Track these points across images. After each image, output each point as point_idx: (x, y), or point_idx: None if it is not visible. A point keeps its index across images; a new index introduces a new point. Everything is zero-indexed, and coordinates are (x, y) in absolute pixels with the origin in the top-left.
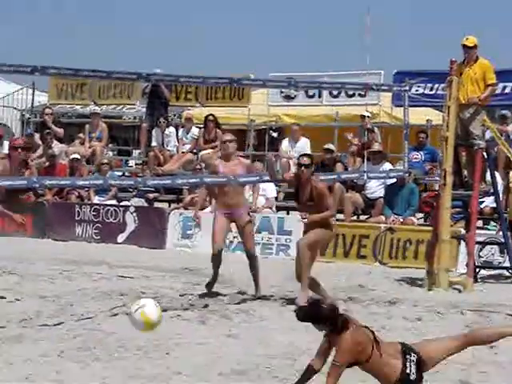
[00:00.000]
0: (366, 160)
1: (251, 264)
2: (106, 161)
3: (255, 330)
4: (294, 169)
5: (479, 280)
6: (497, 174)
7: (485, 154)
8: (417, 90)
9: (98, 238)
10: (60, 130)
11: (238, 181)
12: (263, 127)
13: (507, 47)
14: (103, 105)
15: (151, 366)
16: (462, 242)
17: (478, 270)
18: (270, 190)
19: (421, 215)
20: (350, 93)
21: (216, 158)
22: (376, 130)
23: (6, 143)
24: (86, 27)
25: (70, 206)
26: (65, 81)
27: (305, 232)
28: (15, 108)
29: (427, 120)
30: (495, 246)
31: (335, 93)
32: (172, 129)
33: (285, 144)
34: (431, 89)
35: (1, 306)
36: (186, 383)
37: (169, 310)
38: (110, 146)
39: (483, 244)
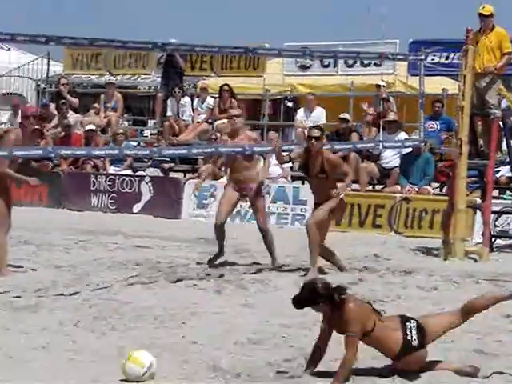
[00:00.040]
0: (381, 129)
1: (265, 239)
2: (121, 131)
3: (271, 300)
4: None
5: (495, 249)
6: None
7: (501, 123)
8: (432, 59)
9: (114, 207)
10: (75, 100)
11: (254, 150)
12: (278, 97)
13: None
14: (118, 75)
15: (167, 335)
16: (478, 211)
17: (493, 239)
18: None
19: (436, 185)
20: (366, 62)
21: (225, 133)
22: (391, 99)
23: None
24: None
25: (86, 176)
26: (80, 51)
27: (315, 205)
28: (30, 78)
29: (443, 89)
30: (511, 216)
31: (350, 62)
32: (187, 99)
33: (300, 114)
34: (447, 58)
35: (17, 275)
36: (202, 353)
37: (184, 279)
38: (125, 116)
39: (499, 213)
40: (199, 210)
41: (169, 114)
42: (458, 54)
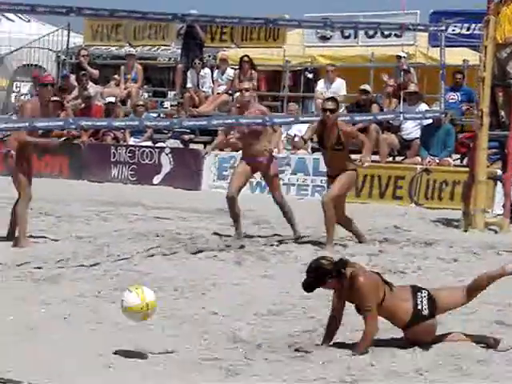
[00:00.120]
0: (401, 101)
1: (282, 211)
2: (141, 102)
3: (291, 271)
4: None
5: None
6: None
7: None
8: (453, 30)
9: (134, 179)
10: (95, 72)
11: (275, 121)
12: (298, 68)
13: None
14: (138, 46)
15: (187, 306)
16: (499, 182)
17: None
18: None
19: (457, 156)
20: (386, 33)
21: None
22: (412, 70)
23: None
24: None
25: (106, 148)
26: (100, 22)
27: (328, 177)
28: (50, 50)
29: (464, 60)
30: None
31: (371, 33)
32: (207, 70)
33: (320, 85)
34: (468, 29)
35: (37, 247)
36: (222, 324)
37: (205, 250)
38: (145, 87)
39: None
40: (219, 182)
41: (189, 85)
42: (479, 24)
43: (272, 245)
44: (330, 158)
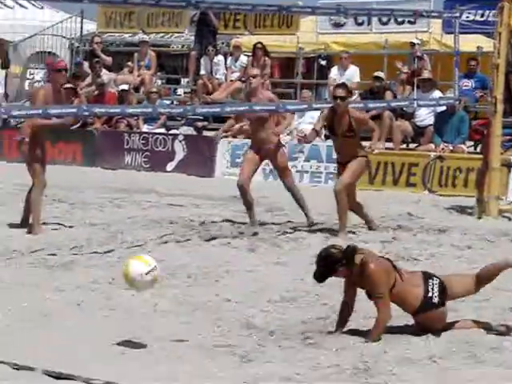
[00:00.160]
0: (415, 88)
1: (294, 198)
2: (154, 89)
3: (304, 258)
4: None
5: None
6: None
7: None
8: (467, 17)
9: (147, 166)
10: (109, 59)
11: (288, 108)
12: (312, 55)
13: None
14: (151, 33)
15: (200, 293)
16: None
17: None
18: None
19: (471, 143)
20: (400, 20)
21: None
22: (426, 57)
23: None
24: None
25: (120, 135)
26: (113, 9)
27: (338, 164)
28: (64, 37)
29: (478, 47)
30: None
31: (385, 20)
32: (220, 57)
33: (334, 72)
34: (482, 15)
35: (51, 233)
36: (236, 310)
37: (218, 237)
38: (159, 74)
39: None
40: (232, 169)
41: (202, 72)
42: (494, 11)
43: (285, 231)
44: (341, 144)
